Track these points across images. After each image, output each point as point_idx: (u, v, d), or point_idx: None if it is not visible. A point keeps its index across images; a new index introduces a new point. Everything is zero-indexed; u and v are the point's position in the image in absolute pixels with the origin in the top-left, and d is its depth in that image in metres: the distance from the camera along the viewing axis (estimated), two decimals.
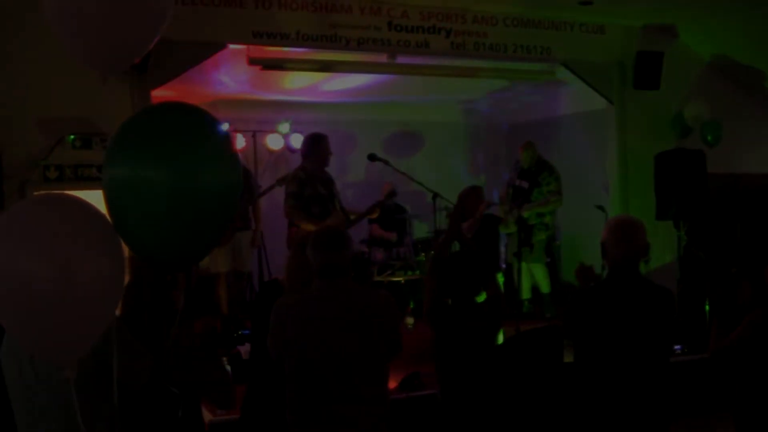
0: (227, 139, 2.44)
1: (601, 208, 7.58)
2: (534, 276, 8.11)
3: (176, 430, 2.74)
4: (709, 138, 7.75)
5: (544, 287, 8.07)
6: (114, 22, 2.36)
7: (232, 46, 6.61)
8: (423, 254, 8.37)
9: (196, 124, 2.38)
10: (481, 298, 4.18)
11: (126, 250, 2.37)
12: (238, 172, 2.47)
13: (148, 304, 3.05)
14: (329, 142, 6.60)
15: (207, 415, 4.55)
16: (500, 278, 6.92)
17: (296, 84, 8.69)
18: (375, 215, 7.28)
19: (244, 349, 5.81)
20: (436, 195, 7.07)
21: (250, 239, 7.80)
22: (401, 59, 7.34)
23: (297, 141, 9.34)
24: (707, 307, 6.95)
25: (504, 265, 8.67)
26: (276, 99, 9.34)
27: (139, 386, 2.57)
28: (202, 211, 2.29)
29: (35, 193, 4.12)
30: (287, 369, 3.39)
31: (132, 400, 2.48)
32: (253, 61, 7.21)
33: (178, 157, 2.25)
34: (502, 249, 8.77)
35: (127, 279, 2.93)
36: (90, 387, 2.37)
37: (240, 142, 9.02)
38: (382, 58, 7.27)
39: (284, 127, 9.46)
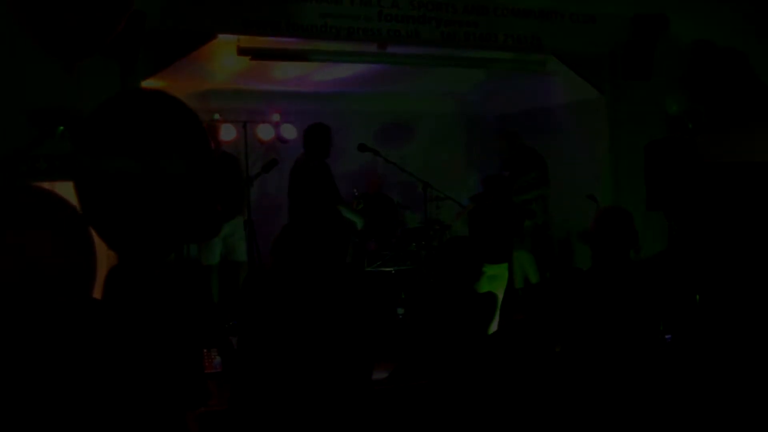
0: (196, 126, 2.42)
1: (592, 198, 7.57)
2: (522, 264, 8.12)
3: (149, 424, 2.72)
4: (690, 125, 7.75)
5: (532, 276, 8.05)
6: (72, 10, 2.33)
7: (222, 36, 6.58)
8: (414, 244, 8.36)
9: (162, 112, 2.36)
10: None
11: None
12: (208, 160, 2.45)
13: (136, 289, 3.03)
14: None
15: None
16: (504, 270, 6.88)
17: (287, 74, 8.66)
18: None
19: (236, 340, 5.80)
20: (426, 185, 7.07)
21: (241, 228, 7.77)
22: (392, 49, 7.32)
23: (287, 131, 9.35)
24: (698, 298, 6.96)
25: None
26: (267, 89, 9.31)
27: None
28: (171, 200, 2.28)
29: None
30: (271, 361, 3.39)
31: (107, 389, 2.46)
32: (242, 52, 7.19)
33: (145, 146, 2.24)
34: None
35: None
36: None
37: (231, 132, 8.99)
38: (373, 47, 7.26)
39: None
